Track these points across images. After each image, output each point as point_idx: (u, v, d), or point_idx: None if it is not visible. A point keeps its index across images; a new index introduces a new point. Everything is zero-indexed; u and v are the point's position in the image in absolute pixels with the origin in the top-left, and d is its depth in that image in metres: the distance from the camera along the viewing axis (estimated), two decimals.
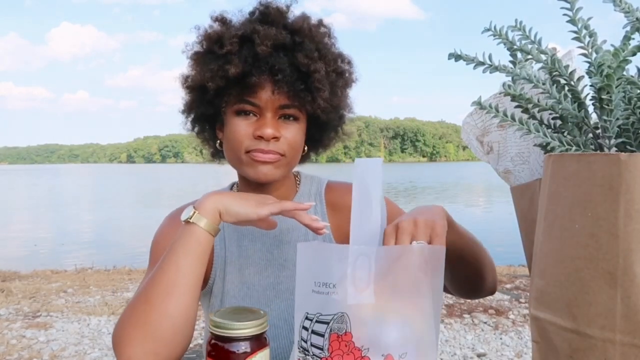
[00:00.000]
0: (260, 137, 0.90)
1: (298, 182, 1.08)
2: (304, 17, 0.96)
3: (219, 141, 1.02)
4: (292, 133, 0.93)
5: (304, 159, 1.05)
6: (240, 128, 0.92)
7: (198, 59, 0.95)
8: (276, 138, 0.91)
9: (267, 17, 0.94)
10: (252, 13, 0.96)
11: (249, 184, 0.99)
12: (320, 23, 0.97)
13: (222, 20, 0.96)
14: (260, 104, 0.91)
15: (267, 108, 0.91)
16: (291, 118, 0.93)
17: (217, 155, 1.07)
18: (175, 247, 0.78)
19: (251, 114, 0.92)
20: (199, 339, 3.54)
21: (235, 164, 0.96)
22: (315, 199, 1.05)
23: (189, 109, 1.01)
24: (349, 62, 1.01)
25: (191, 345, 3.40)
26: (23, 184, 47.84)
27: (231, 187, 1.08)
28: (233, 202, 0.81)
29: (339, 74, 0.97)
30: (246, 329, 0.62)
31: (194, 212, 0.79)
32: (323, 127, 1.02)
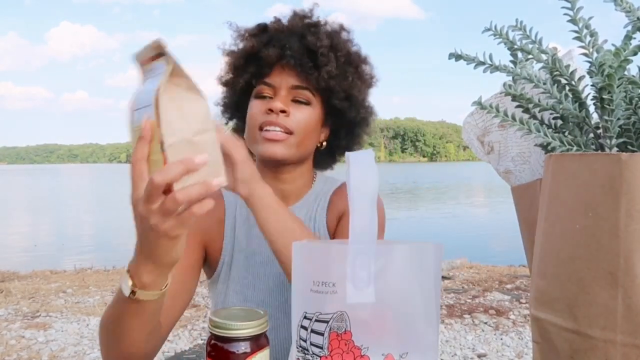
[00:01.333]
0: (271, 111, 0.95)
1: (314, 181, 1.11)
2: (326, 20, 1.04)
3: None
4: (304, 114, 0.98)
5: (326, 161, 1.12)
6: (256, 107, 0.98)
7: (228, 53, 1.05)
8: (285, 112, 0.95)
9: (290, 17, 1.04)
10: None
11: (265, 166, 1.01)
12: (341, 27, 1.05)
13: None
14: (274, 84, 0.98)
15: (280, 88, 0.98)
16: (303, 102, 0.98)
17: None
18: (112, 310, 0.72)
19: (267, 97, 0.98)
20: (199, 339, 3.54)
21: (251, 143, 1.00)
22: (321, 198, 1.08)
23: (224, 103, 1.10)
24: (366, 60, 1.07)
25: (191, 345, 3.40)
26: (22, 183, 47.85)
27: None
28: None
29: (350, 62, 1.02)
30: (246, 329, 0.62)
31: (127, 279, 0.66)
32: (341, 119, 1.05)
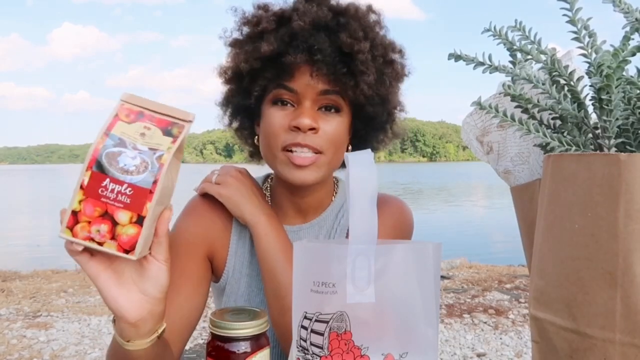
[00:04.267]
0: (297, 129, 0.81)
1: (335, 191, 0.98)
2: (352, 3, 0.88)
3: (256, 137, 0.93)
4: (333, 126, 0.83)
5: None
6: (276, 119, 0.83)
7: (235, 45, 0.88)
8: (314, 130, 0.81)
9: None
10: None
11: (283, 185, 0.91)
12: (369, 9, 0.89)
13: (264, 8, 0.89)
14: (297, 90, 0.82)
15: (305, 95, 0.82)
16: (332, 109, 0.84)
17: (257, 154, 0.97)
18: None
19: (288, 104, 0.84)
20: (199, 339, 3.54)
21: (271, 161, 0.87)
22: (343, 213, 0.97)
23: (226, 101, 0.94)
24: (400, 52, 0.91)
25: (191, 345, 3.40)
26: (23, 184, 47.86)
27: (265, 180, 1.00)
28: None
29: (388, 62, 0.87)
30: (246, 329, 0.62)
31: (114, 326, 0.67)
32: (369, 124, 0.91)
